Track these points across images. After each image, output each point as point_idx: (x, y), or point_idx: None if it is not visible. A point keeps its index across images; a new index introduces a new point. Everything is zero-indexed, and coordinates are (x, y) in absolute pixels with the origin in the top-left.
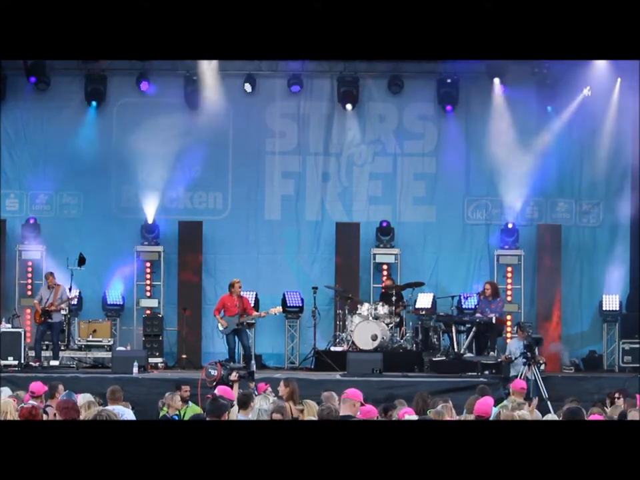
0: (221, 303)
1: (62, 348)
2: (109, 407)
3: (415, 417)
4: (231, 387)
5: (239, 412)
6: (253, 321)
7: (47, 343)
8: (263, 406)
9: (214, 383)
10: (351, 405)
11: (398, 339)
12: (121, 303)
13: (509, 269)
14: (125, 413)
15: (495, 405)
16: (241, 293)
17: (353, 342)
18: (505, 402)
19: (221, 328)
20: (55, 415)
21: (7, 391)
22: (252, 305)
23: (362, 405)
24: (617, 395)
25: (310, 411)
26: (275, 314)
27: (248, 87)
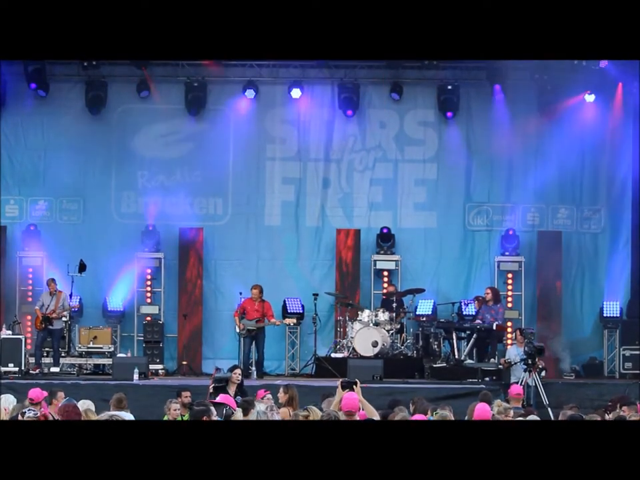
0: (242, 306)
1: (62, 354)
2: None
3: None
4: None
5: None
6: (254, 328)
7: (47, 349)
8: (261, 408)
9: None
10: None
11: (398, 345)
12: (122, 309)
13: (510, 275)
14: (126, 418)
15: None
16: (263, 298)
17: (353, 348)
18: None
19: (237, 330)
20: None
21: (10, 398)
22: (272, 312)
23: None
24: (619, 406)
25: (315, 418)
26: (289, 324)
27: (250, 93)
